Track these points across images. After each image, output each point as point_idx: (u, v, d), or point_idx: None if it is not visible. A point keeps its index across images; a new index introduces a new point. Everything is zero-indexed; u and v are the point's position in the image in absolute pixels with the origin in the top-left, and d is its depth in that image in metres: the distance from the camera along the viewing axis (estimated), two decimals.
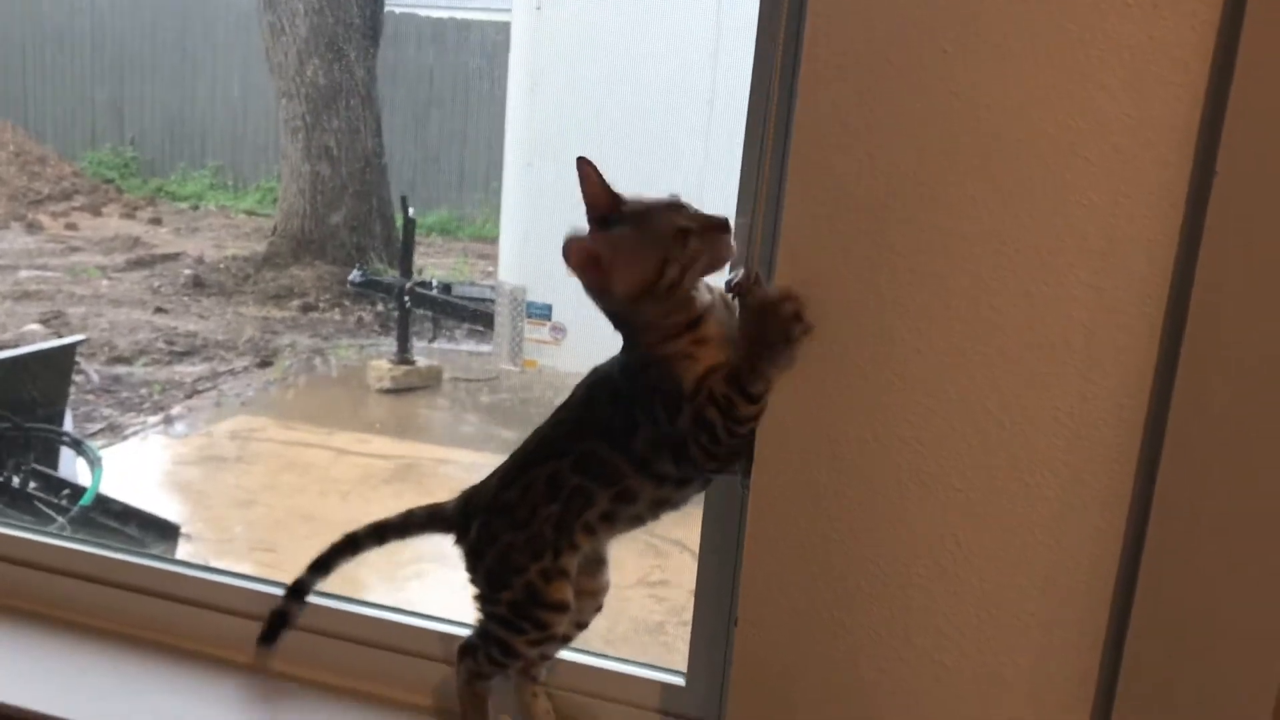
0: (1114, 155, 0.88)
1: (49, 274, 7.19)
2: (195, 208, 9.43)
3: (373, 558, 1.31)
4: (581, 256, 1.03)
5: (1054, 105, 0.89)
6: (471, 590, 1.20)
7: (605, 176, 1.05)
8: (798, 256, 0.97)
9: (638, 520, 1.13)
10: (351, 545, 1.29)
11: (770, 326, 0.98)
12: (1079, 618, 0.96)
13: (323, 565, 1.31)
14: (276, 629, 1.31)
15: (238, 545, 4.08)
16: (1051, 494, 0.95)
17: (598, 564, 1.22)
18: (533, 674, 1.25)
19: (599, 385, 1.11)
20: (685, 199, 1.05)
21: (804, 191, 0.96)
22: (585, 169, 1.05)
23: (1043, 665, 0.98)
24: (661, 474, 1.08)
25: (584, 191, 1.05)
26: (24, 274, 7.13)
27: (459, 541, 1.21)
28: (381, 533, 1.28)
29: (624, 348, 1.09)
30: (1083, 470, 0.93)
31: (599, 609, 1.24)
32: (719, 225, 1.02)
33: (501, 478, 1.18)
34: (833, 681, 1.03)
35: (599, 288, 1.04)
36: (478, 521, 1.18)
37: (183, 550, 3.75)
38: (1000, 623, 0.98)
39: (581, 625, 1.23)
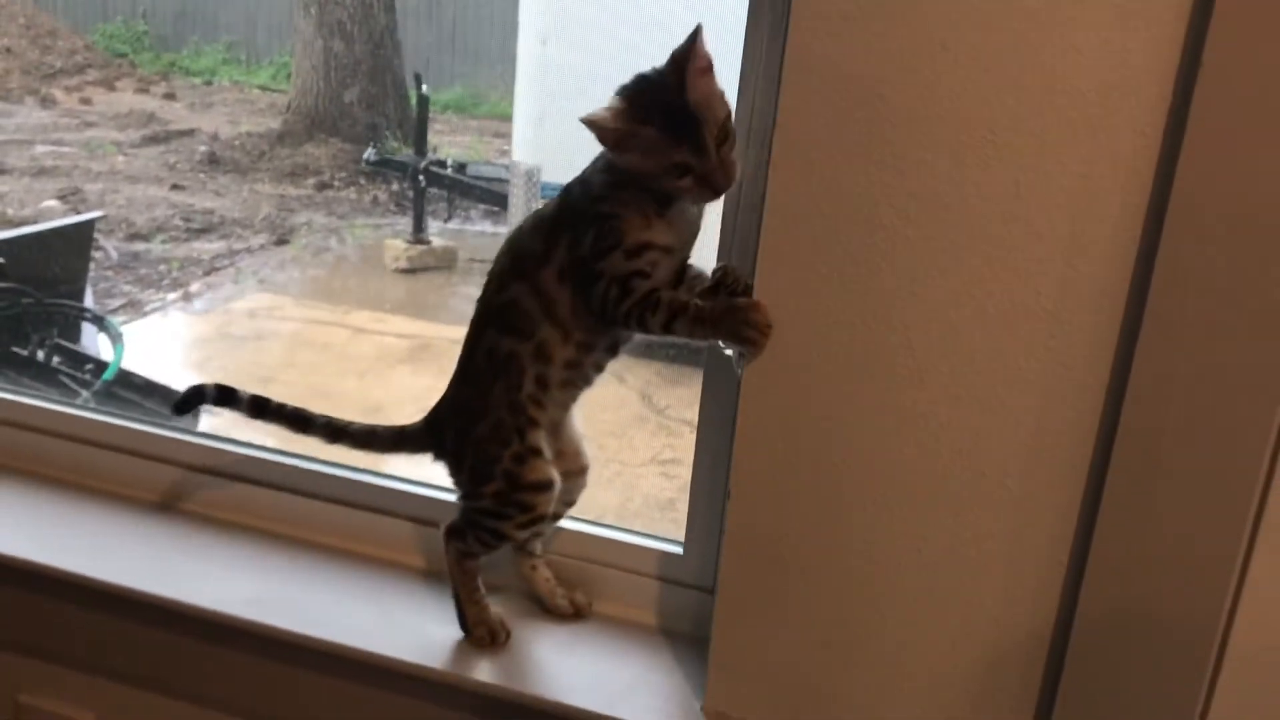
0: (1103, 46, 0.89)
1: (65, 149, 7.17)
2: (209, 83, 9.31)
3: None
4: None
5: None
6: (456, 492, 1.24)
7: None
8: (793, 140, 0.98)
9: (570, 385, 1.18)
10: (299, 423, 1.28)
11: (727, 327, 1.04)
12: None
13: (262, 410, 1.28)
14: (191, 404, 1.29)
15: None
16: (1034, 378, 0.98)
17: (575, 446, 1.26)
18: (528, 549, 1.30)
19: (524, 230, 1.15)
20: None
21: (800, 74, 0.96)
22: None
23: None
24: (563, 323, 1.13)
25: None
26: (40, 149, 7.11)
27: (438, 456, 1.24)
28: (335, 433, 1.28)
29: (593, 168, 1.11)
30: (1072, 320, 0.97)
31: (584, 486, 1.28)
32: (715, 188, 1.04)
33: (455, 382, 1.22)
34: (817, 552, 1.08)
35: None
36: (451, 429, 1.22)
37: (204, 424, 3.83)
38: (977, 488, 1.03)
39: (570, 503, 1.28)
